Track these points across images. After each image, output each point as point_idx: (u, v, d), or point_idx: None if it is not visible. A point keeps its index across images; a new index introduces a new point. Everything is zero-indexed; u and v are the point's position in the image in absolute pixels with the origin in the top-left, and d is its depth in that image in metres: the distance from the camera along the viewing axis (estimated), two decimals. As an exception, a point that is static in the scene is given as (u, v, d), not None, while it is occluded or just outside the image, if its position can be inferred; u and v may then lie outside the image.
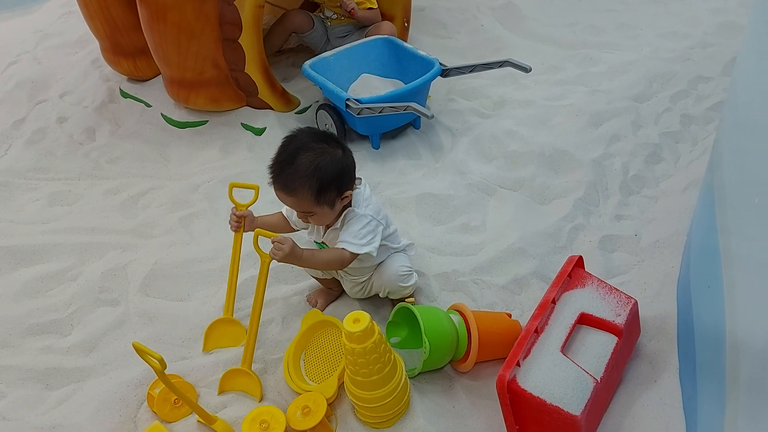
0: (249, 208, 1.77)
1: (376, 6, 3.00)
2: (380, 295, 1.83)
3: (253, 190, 1.78)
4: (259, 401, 1.66)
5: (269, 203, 1.93)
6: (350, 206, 1.66)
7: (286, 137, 1.63)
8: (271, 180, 1.60)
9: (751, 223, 1.29)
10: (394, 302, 1.85)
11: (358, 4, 2.92)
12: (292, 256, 1.55)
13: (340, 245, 1.62)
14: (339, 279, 1.86)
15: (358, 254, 1.62)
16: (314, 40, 3.08)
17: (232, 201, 1.77)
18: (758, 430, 1.05)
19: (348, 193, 1.62)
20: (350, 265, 1.75)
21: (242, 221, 1.74)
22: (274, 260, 1.57)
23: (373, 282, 1.79)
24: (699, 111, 2.72)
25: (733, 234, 1.40)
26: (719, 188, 1.60)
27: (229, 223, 1.75)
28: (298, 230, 1.81)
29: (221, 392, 1.70)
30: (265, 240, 1.59)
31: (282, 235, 1.57)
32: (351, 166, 1.63)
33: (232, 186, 1.78)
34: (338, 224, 1.66)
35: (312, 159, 1.55)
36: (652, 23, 3.44)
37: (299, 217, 1.68)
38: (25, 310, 1.99)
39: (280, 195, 1.60)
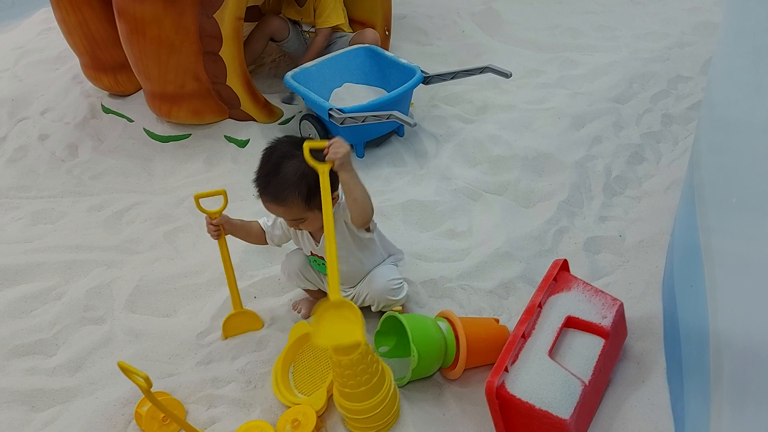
0: (223, 213, 1.75)
1: (341, 22, 2.98)
2: (372, 309, 1.82)
3: (221, 196, 1.73)
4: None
5: (256, 214, 1.94)
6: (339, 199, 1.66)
7: (267, 149, 1.62)
8: (258, 193, 1.60)
9: (730, 221, 1.30)
10: (382, 312, 1.85)
11: (321, 19, 2.94)
12: (349, 159, 1.50)
13: None
14: (326, 290, 1.85)
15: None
16: (292, 49, 3.08)
17: (203, 211, 1.72)
18: (742, 427, 1.06)
19: (335, 193, 1.62)
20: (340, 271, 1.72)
21: (221, 228, 1.74)
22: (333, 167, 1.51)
23: (362, 293, 1.79)
24: (679, 110, 2.75)
25: (713, 232, 1.41)
26: (699, 187, 1.61)
27: (208, 233, 1.75)
28: (273, 245, 1.82)
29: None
30: None
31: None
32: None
33: (198, 197, 1.73)
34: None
35: (297, 166, 1.55)
36: (630, 24, 3.48)
37: (290, 226, 1.68)
38: (9, 331, 1.97)
39: (270, 207, 1.60)
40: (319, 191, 1.53)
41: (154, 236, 2.30)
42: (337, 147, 1.49)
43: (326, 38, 3.00)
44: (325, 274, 1.76)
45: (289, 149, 1.58)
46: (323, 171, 1.51)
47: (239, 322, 1.88)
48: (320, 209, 1.56)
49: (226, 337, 1.87)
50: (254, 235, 1.80)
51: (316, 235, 1.71)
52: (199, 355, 1.85)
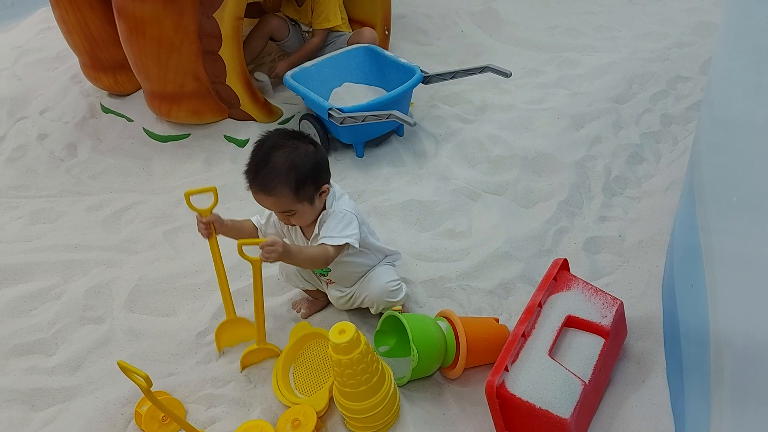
0: (213, 211, 1.71)
1: (337, 23, 2.98)
2: (371, 311, 1.82)
3: (211, 193, 1.71)
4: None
5: (256, 214, 1.94)
6: (325, 209, 1.66)
7: (258, 140, 1.61)
8: (248, 184, 1.57)
9: (730, 220, 1.31)
10: (381, 312, 1.85)
11: (318, 20, 2.94)
12: (284, 254, 1.51)
13: (320, 241, 1.60)
14: (324, 290, 1.85)
15: (340, 246, 1.60)
16: (292, 49, 3.09)
17: (193, 209, 1.70)
18: (743, 426, 1.06)
19: (325, 186, 1.61)
20: (335, 273, 1.74)
21: (211, 226, 1.70)
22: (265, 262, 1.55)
23: (360, 294, 1.78)
24: (678, 110, 2.75)
25: (713, 232, 1.41)
26: (699, 187, 1.61)
27: (199, 232, 1.71)
28: None
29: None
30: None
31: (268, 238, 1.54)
32: (325, 160, 1.62)
33: (188, 194, 1.70)
34: (317, 229, 1.65)
35: (286, 156, 1.55)
36: (630, 24, 3.48)
37: (281, 219, 1.66)
38: (8, 330, 1.96)
39: (259, 197, 1.58)
40: (308, 183, 1.56)
41: (153, 236, 2.30)
42: (269, 252, 1.49)
43: (323, 39, 3.00)
44: (319, 273, 1.78)
45: (279, 140, 1.57)
46: (256, 265, 1.60)
47: (233, 332, 1.84)
48: (309, 201, 1.58)
49: (220, 349, 1.84)
50: (247, 233, 1.77)
51: (307, 231, 1.69)
52: (198, 354, 1.85)
